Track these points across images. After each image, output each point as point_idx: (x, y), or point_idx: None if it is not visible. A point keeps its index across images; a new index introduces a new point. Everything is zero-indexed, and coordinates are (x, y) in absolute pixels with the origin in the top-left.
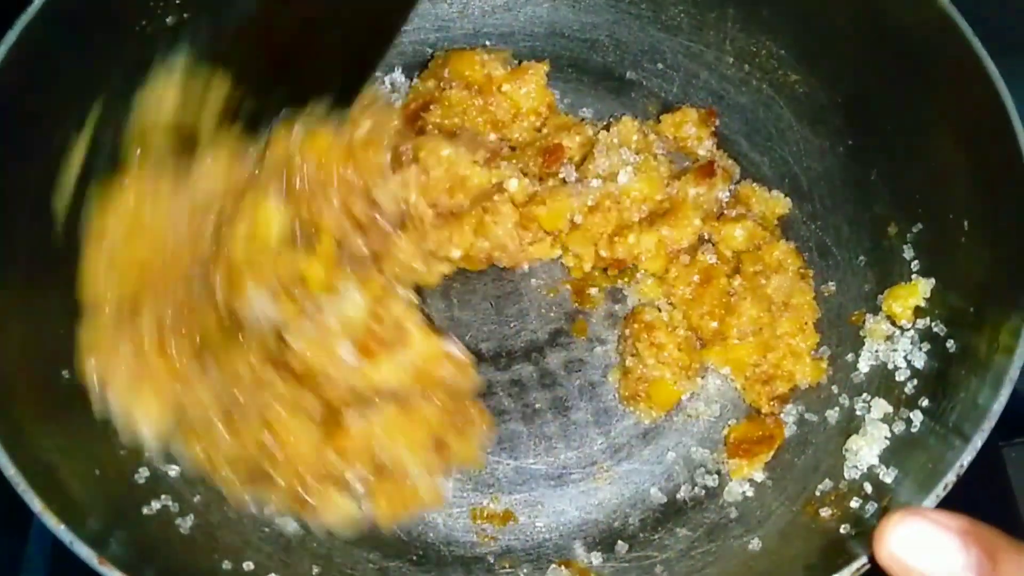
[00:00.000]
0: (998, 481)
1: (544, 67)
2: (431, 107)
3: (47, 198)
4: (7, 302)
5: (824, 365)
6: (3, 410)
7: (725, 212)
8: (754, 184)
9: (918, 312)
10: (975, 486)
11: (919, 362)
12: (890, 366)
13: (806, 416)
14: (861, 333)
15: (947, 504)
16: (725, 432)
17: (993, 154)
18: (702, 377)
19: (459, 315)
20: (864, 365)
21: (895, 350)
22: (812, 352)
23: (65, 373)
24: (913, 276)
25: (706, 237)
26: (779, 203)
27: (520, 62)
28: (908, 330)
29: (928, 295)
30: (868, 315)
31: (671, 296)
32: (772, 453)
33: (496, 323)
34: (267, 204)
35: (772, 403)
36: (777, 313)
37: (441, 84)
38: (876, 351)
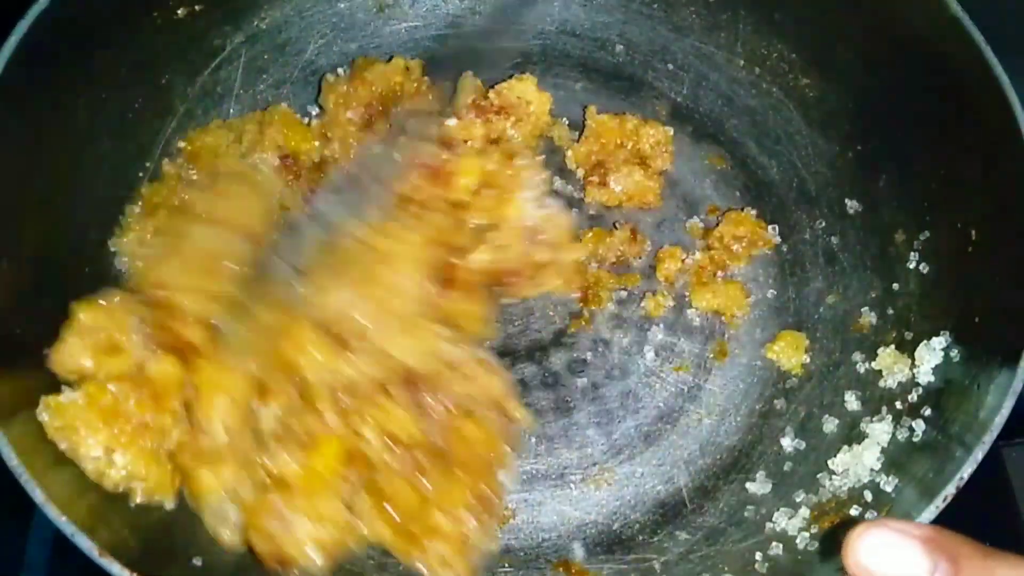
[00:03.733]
0: (998, 481)
1: None
2: None
3: (50, 197)
4: (8, 298)
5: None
6: (7, 402)
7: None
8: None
9: (923, 320)
10: (975, 486)
11: (922, 370)
12: (893, 374)
13: (808, 424)
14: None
15: (948, 505)
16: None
17: (1002, 163)
18: (705, 381)
19: None
20: (866, 372)
21: (899, 358)
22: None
23: None
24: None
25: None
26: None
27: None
28: (912, 337)
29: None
30: (870, 320)
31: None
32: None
33: (500, 321)
34: None
35: None
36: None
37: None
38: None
